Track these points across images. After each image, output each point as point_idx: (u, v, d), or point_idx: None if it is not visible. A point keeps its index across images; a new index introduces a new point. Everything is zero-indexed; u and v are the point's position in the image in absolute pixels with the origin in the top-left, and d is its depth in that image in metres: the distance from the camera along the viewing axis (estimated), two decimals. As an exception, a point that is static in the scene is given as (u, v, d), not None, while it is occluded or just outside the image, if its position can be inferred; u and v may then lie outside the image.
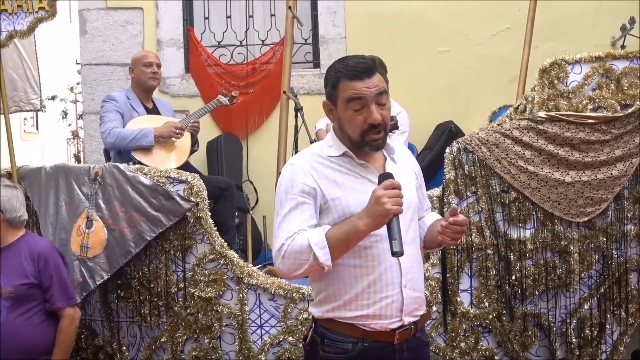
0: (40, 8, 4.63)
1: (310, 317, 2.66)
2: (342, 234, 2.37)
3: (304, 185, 2.48)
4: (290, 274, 2.44)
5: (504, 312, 4.24)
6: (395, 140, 5.03)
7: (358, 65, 2.47)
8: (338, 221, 2.45)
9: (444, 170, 4.27)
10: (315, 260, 2.36)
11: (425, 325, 4.09)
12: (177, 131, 5.01)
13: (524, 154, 4.16)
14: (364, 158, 2.55)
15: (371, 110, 2.45)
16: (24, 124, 17.65)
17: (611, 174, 4.13)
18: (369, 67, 2.47)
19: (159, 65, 5.29)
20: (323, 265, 2.37)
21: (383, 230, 2.36)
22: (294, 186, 2.48)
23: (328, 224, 2.45)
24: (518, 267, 4.19)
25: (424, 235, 2.78)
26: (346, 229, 2.37)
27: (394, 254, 2.30)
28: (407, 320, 2.52)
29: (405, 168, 2.68)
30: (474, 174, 4.22)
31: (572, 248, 4.17)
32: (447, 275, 4.22)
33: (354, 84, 2.45)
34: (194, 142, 5.31)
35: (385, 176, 2.38)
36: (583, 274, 4.23)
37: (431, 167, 5.92)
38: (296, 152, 5.34)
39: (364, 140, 2.49)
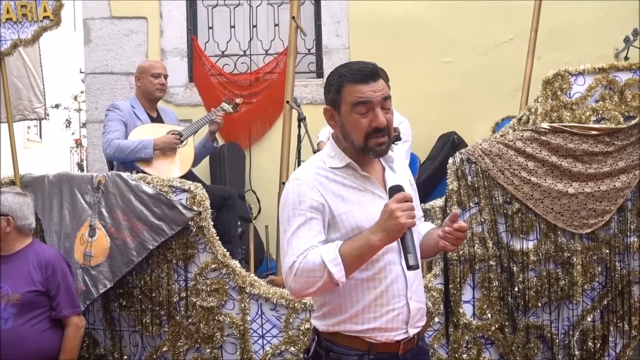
0: (44, 17, 4.65)
1: (312, 328, 2.63)
2: (355, 249, 2.32)
3: (312, 200, 2.43)
4: (303, 292, 2.38)
5: (507, 323, 4.23)
6: (397, 149, 5.08)
7: (363, 69, 2.45)
8: (346, 236, 2.41)
9: (447, 181, 4.27)
10: (330, 278, 2.31)
11: (427, 336, 4.10)
12: (178, 141, 5.01)
13: (527, 165, 4.15)
14: (365, 169, 2.52)
15: (377, 114, 2.42)
16: (28, 132, 17.67)
17: (614, 185, 4.12)
18: (374, 71, 2.45)
19: (166, 76, 5.31)
20: (338, 282, 2.32)
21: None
22: (301, 202, 2.43)
23: (336, 239, 2.41)
24: (521, 279, 4.18)
25: (419, 244, 2.73)
26: (360, 245, 2.32)
27: (409, 267, 2.27)
28: (412, 331, 2.51)
29: (403, 177, 2.66)
30: (476, 185, 4.22)
31: (575, 260, 4.16)
32: (450, 286, 4.21)
33: (359, 87, 2.42)
34: (214, 139, 5.33)
35: (395, 189, 2.34)
36: (586, 286, 4.22)
37: (434, 177, 5.92)
38: (299, 161, 5.34)
39: (368, 145, 2.45)
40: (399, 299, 2.46)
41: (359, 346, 2.46)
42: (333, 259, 2.31)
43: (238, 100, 5.50)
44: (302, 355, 3.96)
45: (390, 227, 2.27)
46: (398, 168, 2.66)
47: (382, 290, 2.45)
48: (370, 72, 2.44)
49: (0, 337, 3.62)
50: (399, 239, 2.30)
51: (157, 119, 5.30)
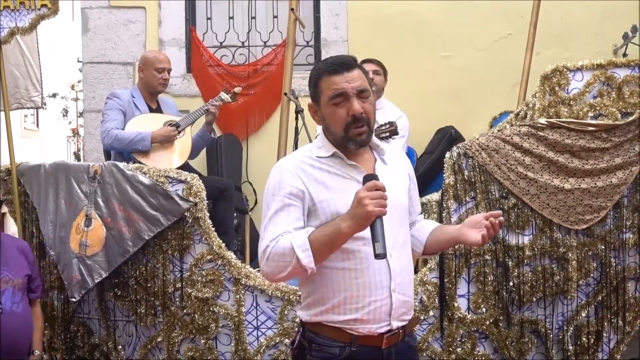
0: (42, 5, 4.64)
1: (298, 320, 2.64)
2: (325, 236, 2.34)
3: (291, 187, 2.45)
4: (275, 276, 2.42)
5: (501, 318, 4.24)
6: (393, 144, 5.07)
7: (337, 60, 2.51)
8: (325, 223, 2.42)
9: (444, 175, 4.26)
10: (298, 263, 2.33)
11: (422, 329, 4.11)
12: (176, 134, 5.00)
13: (523, 160, 4.15)
14: (354, 159, 2.53)
15: (352, 103, 2.45)
16: (25, 121, 17.66)
17: (611, 181, 4.13)
18: (348, 61, 2.50)
19: (169, 70, 5.28)
20: (306, 267, 2.34)
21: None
22: (281, 188, 2.46)
23: (315, 226, 2.42)
24: (516, 274, 4.18)
25: (424, 240, 2.74)
26: (330, 231, 2.34)
27: (376, 256, 2.26)
28: (396, 324, 2.50)
29: (396, 170, 2.65)
30: (473, 180, 4.22)
31: (570, 255, 4.17)
32: (445, 280, 4.21)
33: (334, 79, 2.46)
34: (211, 130, 5.31)
35: (369, 177, 2.34)
36: (581, 282, 4.22)
37: (431, 171, 5.92)
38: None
39: (348, 135, 2.47)
40: (382, 291, 2.46)
41: (341, 337, 2.47)
42: (301, 244, 2.34)
43: (237, 90, 5.46)
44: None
45: (358, 214, 2.27)
46: (392, 161, 2.66)
47: (364, 281, 2.45)
48: (343, 63, 2.49)
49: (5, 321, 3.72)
50: (369, 227, 2.29)
51: (157, 110, 5.28)
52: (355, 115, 2.45)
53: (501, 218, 2.50)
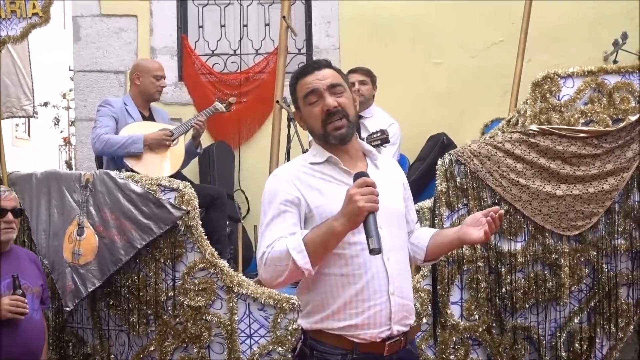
0: (33, 14, 4.63)
1: (299, 328, 2.64)
2: (319, 236, 2.35)
3: (286, 194, 2.48)
4: (273, 281, 2.43)
5: (494, 324, 4.24)
6: (384, 152, 5.08)
7: (308, 63, 2.63)
8: None
9: (436, 182, 4.27)
10: (295, 265, 2.33)
11: (415, 337, 4.10)
12: (169, 139, 4.99)
13: (515, 166, 4.16)
14: (347, 165, 2.55)
15: (325, 98, 2.51)
16: (16, 130, 17.63)
17: (602, 188, 4.14)
18: (318, 62, 2.59)
19: (165, 78, 5.29)
20: (302, 269, 2.34)
21: None
22: (277, 196, 2.49)
23: None
24: (508, 280, 4.19)
25: (425, 247, 2.76)
26: (323, 231, 2.34)
27: (371, 251, 2.25)
28: (397, 329, 2.50)
29: (389, 176, 2.68)
30: (465, 186, 4.22)
31: (562, 261, 4.18)
32: (438, 287, 4.21)
33: (305, 80, 2.54)
34: (197, 145, 5.30)
35: (359, 175, 2.36)
36: (573, 288, 4.23)
37: (423, 178, 5.92)
38: (288, 161, 5.33)
39: (327, 131, 2.52)
40: (380, 295, 2.46)
41: (342, 345, 2.47)
42: (296, 246, 2.34)
43: (231, 100, 5.48)
44: (289, 355, 3.96)
45: (350, 211, 2.28)
46: (386, 168, 2.68)
47: (362, 286, 2.45)
48: (314, 63, 2.59)
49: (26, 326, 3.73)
50: (363, 224, 2.28)
51: (149, 118, 5.28)
52: (330, 110, 2.50)
53: (501, 211, 2.53)
